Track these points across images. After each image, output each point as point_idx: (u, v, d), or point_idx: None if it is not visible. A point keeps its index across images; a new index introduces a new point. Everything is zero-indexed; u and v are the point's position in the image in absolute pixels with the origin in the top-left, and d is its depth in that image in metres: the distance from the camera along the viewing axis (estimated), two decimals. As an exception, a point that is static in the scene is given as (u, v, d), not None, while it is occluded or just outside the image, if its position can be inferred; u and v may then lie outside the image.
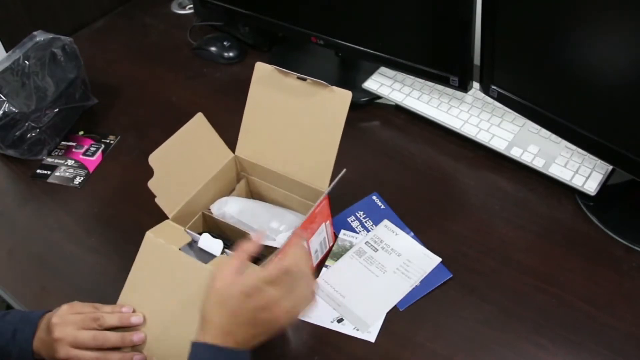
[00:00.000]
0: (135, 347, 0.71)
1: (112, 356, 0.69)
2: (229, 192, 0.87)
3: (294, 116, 0.81)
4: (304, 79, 0.79)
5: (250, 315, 0.60)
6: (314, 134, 0.80)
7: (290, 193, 0.84)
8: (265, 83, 0.83)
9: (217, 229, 0.83)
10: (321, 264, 0.84)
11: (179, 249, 0.73)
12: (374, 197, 0.92)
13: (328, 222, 0.83)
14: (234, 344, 0.60)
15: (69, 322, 0.69)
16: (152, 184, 0.75)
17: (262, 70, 0.83)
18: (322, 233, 0.83)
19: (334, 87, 0.77)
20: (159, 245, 0.74)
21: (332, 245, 0.86)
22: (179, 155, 0.79)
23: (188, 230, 0.77)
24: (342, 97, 0.77)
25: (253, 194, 0.90)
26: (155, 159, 0.75)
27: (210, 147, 0.84)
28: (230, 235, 0.81)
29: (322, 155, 0.79)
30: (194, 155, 0.82)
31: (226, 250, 0.75)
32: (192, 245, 0.77)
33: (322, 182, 0.79)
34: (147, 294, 0.74)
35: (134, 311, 0.72)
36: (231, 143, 0.85)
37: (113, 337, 0.69)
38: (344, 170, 0.77)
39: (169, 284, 0.73)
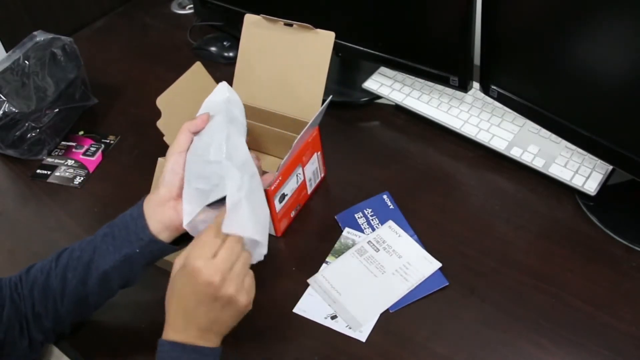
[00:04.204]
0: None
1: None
2: None
3: (283, 58, 0.89)
4: (291, 25, 0.87)
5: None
6: (302, 73, 0.88)
7: (284, 131, 0.91)
8: (254, 31, 0.91)
9: None
10: (322, 259, 0.85)
11: None
12: (384, 197, 0.92)
13: (319, 152, 0.91)
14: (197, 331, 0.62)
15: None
16: (160, 124, 0.82)
17: (251, 20, 0.91)
18: (315, 163, 0.91)
19: (318, 30, 0.85)
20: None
21: (324, 177, 0.95)
22: (181, 100, 0.85)
23: None
24: (326, 38, 0.85)
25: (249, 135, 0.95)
26: (162, 101, 0.82)
27: (209, 93, 0.91)
28: None
29: (311, 91, 0.87)
30: (194, 100, 0.88)
31: None
32: None
33: (313, 116, 0.84)
34: None
35: None
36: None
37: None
38: (331, 96, 0.86)
39: None
